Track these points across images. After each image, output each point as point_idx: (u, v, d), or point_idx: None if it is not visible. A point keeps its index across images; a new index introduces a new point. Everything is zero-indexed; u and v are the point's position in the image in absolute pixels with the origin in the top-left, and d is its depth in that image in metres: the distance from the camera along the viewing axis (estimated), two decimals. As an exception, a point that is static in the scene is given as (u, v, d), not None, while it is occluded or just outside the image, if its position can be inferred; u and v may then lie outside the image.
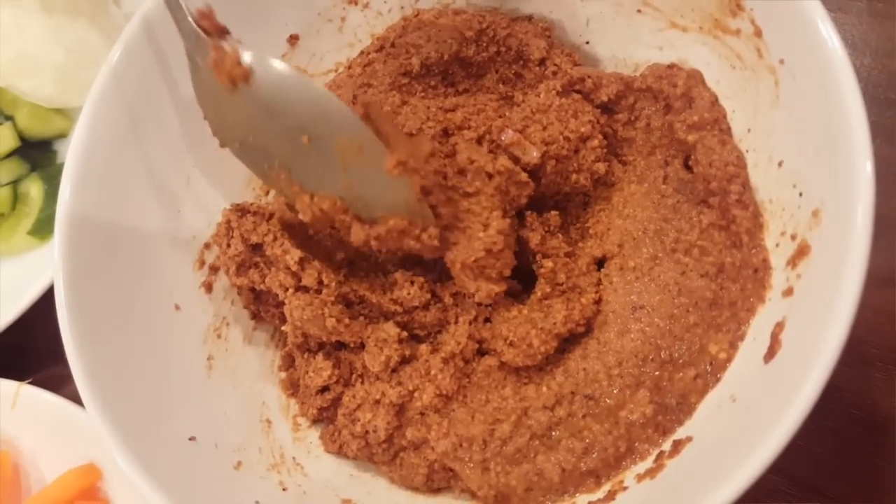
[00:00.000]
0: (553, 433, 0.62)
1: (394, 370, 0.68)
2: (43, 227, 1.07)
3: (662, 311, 0.62)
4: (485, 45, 0.76)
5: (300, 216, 0.67)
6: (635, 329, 0.63)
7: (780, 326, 0.52)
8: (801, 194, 0.55)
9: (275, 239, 0.69)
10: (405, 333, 0.69)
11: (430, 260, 0.70)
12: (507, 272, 0.66)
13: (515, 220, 0.69)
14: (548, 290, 0.68)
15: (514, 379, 0.67)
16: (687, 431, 0.57)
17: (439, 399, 0.66)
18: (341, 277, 0.69)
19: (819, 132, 0.53)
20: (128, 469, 0.57)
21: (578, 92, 0.72)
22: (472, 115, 0.75)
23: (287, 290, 0.68)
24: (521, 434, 0.62)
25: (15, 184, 1.13)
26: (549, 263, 0.68)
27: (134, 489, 0.56)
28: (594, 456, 0.59)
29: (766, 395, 0.50)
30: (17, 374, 0.91)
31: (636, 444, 0.59)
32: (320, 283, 0.67)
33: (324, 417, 0.72)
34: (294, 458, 0.70)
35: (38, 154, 1.16)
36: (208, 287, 0.75)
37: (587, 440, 0.60)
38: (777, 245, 0.57)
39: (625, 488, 0.57)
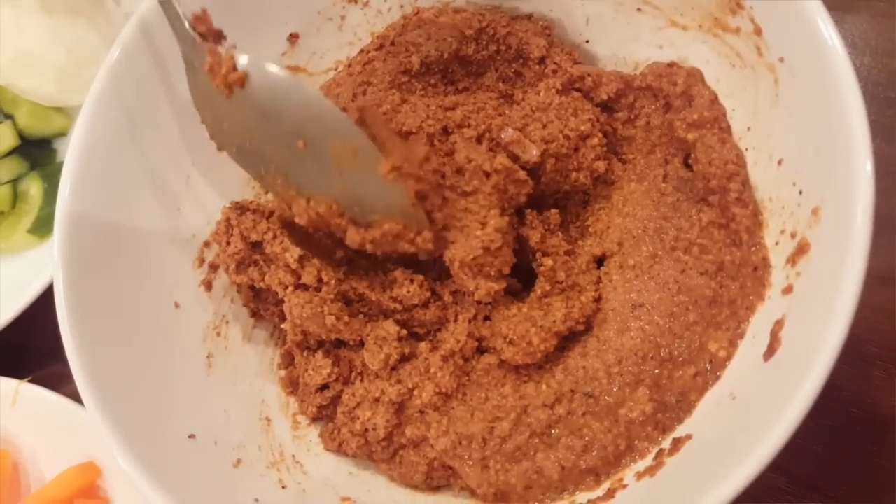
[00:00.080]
0: (553, 431, 0.62)
1: (393, 368, 0.68)
2: (43, 226, 1.07)
3: (662, 309, 0.62)
4: (485, 43, 0.76)
5: (296, 219, 0.67)
6: (635, 327, 0.63)
7: (779, 324, 0.52)
8: (800, 192, 0.55)
9: (274, 237, 0.69)
10: (405, 331, 0.69)
11: (430, 258, 0.70)
12: (507, 270, 0.66)
13: (515, 218, 0.69)
14: (547, 288, 0.68)
15: (514, 377, 0.67)
16: (686, 429, 0.57)
17: (439, 397, 0.66)
18: (341, 275, 0.69)
19: (819, 130, 0.53)
20: (127, 467, 0.57)
21: (578, 90, 0.72)
22: (471, 113, 0.75)
23: (286, 287, 0.68)
24: (520, 432, 0.62)
25: (15, 182, 1.13)
26: (548, 262, 0.68)
27: (133, 487, 0.56)
28: (594, 454, 0.59)
29: (765, 394, 0.50)
30: (16, 372, 0.91)
31: (636, 442, 0.59)
32: (320, 280, 0.67)
33: (323, 415, 0.72)
34: (293, 456, 0.70)
35: (37, 152, 1.16)
36: (208, 285, 0.75)
37: (587, 438, 0.60)
38: (777, 243, 0.57)
39: (624, 486, 0.57)
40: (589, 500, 0.58)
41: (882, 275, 0.73)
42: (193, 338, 0.72)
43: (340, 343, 0.72)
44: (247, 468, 0.66)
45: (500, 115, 0.75)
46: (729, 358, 0.58)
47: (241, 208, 0.73)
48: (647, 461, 0.58)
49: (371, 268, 0.73)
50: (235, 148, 0.69)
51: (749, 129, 0.62)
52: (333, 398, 0.71)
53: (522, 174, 0.67)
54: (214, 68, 0.63)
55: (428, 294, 0.70)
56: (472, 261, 0.64)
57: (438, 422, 0.65)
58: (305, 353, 0.73)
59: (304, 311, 0.66)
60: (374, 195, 0.64)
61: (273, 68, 0.62)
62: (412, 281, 0.70)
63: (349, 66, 0.80)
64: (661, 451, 0.57)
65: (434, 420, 0.65)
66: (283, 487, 0.66)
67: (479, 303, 0.69)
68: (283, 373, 0.77)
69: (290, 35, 0.79)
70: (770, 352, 0.52)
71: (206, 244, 0.75)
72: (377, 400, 0.67)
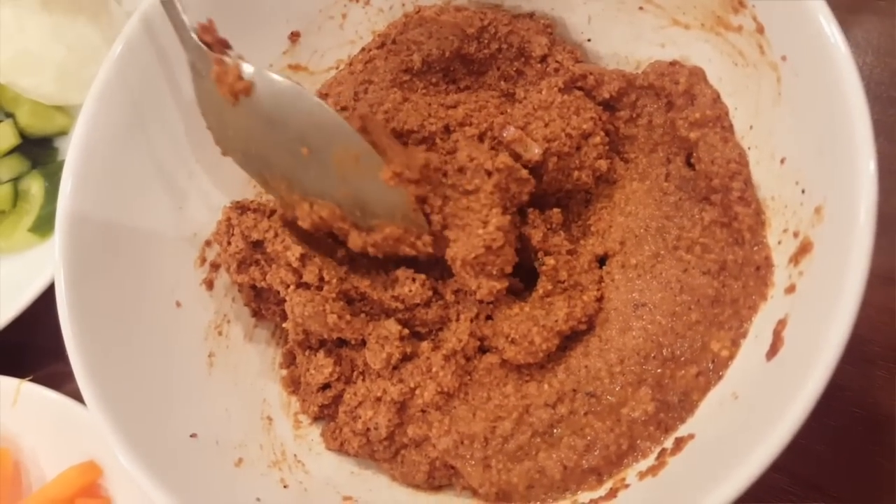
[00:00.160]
0: (555, 431, 0.61)
1: (395, 367, 0.68)
2: (44, 225, 1.07)
3: (664, 308, 0.62)
4: (486, 42, 0.76)
5: (300, 223, 0.69)
6: (637, 326, 0.63)
7: (782, 324, 0.52)
8: (803, 191, 0.55)
9: (276, 236, 0.69)
10: (406, 331, 0.69)
11: (431, 258, 0.70)
12: (509, 269, 0.66)
13: (517, 217, 0.69)
14: (549, 287, 0.68)
15: (516, 376, 0.67)
16: (689, 429, 0.57)
17: (440, 396, 0.66)
18: (342, 274, 0.69)
19: (822, 129, 0.52)
20: (129, 466, 0.57)
21: (580, 89, 0.72)
22: (473, 111, 0.75)
23: (288, 286, 0.68)
24: (522, 431, 0.62)
25: (16, 181, 1.13)
26: (550, 261, 0.68)
27: (135, 486, 0.56)
28: (596, 453, 0.59)
29: (768, 393, 0.50)
30: (17, 371, 0.91)
31: (638, 442, 0.59)
32: (321, 279, 0.67)
33: (325, 415, 0.72)
34: (295, 455, 0.70)
35: (38, 151, 1.16)
36: (209, 284, 0.75)
37: (589, 437, 0.60)
38: (779, 242, 0.57)
39: (626, 486, 0.57)
40: (591, 500, 0.58)
41: (885, 275, 0.72)
42: (195, 337, 0.72)
43: (342, 342, 0.72)
44: (248, 467, 0.66)
45: (501, 113, 0.75)
46: (731, 357, 0.58)
47: (242, 207, 0.73)
48: (650, 461, 0.58)
49: (373, 267, 0.73)
50: (240, 154, 0.70)
51: (751, 127, 0.62)
52: (335, 397, 0.71)
53: (524, 173, 0.67)
54: (221, 77, 0.65)
55: (430, 293, 0.70)
56: (474, 259, 0.64)
57: (440, 421, 0.65)
58: (307, 353, 0.73)
59: (305, 310, 0.66)
60: (375, 200, 0.66)
61: (277, 77, 0.64)
62: (414, 280, 0.70)
63: (350, 64, 0.80)
64: (663, 451, 0.57)
65: (436, 419, 0.65)
66: (284, 487, 0.66)
67: (480, 302, 0.69)
68: (284, 372, 0.77)
69: (292, 33, 0.79)
70: (773, 351, 0.52)
71: (208, 243, 0.75)
72: (379, 399, 0.67)
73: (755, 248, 0.59)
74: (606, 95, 0.71)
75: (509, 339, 0.66)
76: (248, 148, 0.69)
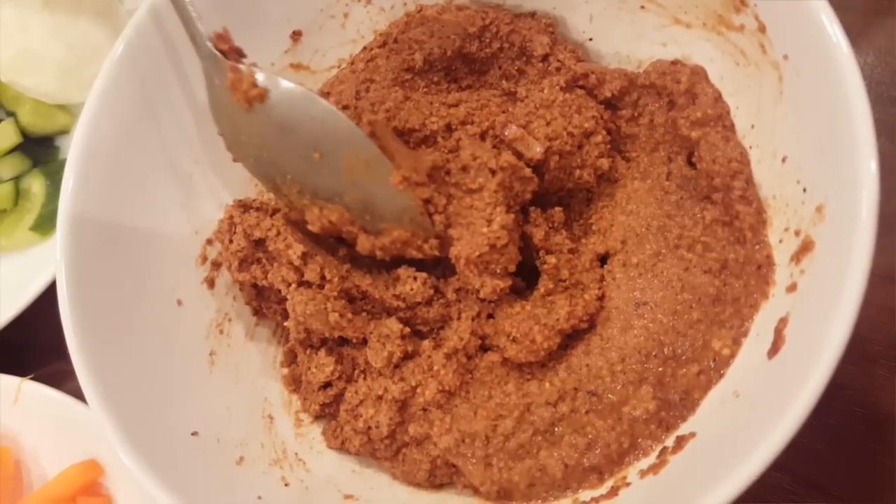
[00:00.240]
0: (556, 429, 0.62)
1: (396, 366, 0.68)
2: (45, 223, 1.07)
3: (665, 307, 0.62)
4: (488, 41, 0.76)
5: (309, 227, 0.70)
6: (638, 325, 0.63)
7: (783, 322, 0.52)
8: (804, 190, 0.55)
9: (278, 234, 0.69)
10: (408, 329, 0.69)
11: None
12: (512, 268, 0.66)
13: (520, 215, 0.69)
14: (551, 286, 0.68)
15: (517, 375, 0.67)
16: (690, 427, 0.57)
17: (442, 395, 0.66)
18: (344, 273, 0.69)
19: (823, 129, 0.52)
20: (131, 464, 0.57)
21: (582, 87, 0.72)
22: (475, 110, 0.75)
23: (289, 285, 0.68)
24: (523, 430, 0.62)
25: (17, 180, 1.13)
26: (552, 259, 0.68)
27: (136, 485, 0.57)
28: (597, 452, 0.59)
29: (769, 392, 0.50)
30: (18, 370, 0.91)
31: (639, 440, 0.59)
32: (323, 278, 0.68)
33: (326, 413, 0.72)
34: (296, 453, 0.70)
35: (40, 150, 1.16)
36: (210, 283, 0.75)
37: (590, 436, 0.60)
38: (780, 241, 0.57)
39: (627, 484, 0.57)
40: (592, 498, 0.58)
41: (885, 274, 0.72)
42: (196, 335, 0.72)
43: (343, 341, 0.72)
44: (249, 466, 0.66)
45: (503, 112, 0.75)
46: (733, 356, 0.58)
47: (244, 206, 0.73)
48: (651, 459, 0.58)
49: (374, 265, 0.73)
50: (252, 159, 0.72)
51: (753, 126, 0.62)
52: (336, 396, 0.71)
53: (528, 171, 0.67)
54: (236, 84, 0.66)
55: (431, 292, 0.70)
56: (478, 258, 0.64)
57: (441, 419, 0.65)
58: (308, 351, 0.73)
59: (307, 309, 0.66)
60: (384, 204, 0.68)
61: (290, 84, 0.66)
62: (415, 279, 0.70)
63: (352, 63, 0.80)
64: (664, 449, 0.57)
65: (437, 418, 0.65)
66: (285, 485, 0.66)
67: (482, 300, 0.69)
68: (285, 370, 0.77)
69: (293, 32, 0.79)
70: (774, 350, 0.52)
71: (209, 242, 0.75)
72: (380, 398, 0.67)
73: (756, 247, 0.59)
74: (608, 94, 0.71)
75: (511, 337, 0.66)
76: (260, 153, 0.70)
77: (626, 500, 0.56)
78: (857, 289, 0.45)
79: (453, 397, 0.67)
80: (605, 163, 0.71)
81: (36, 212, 1.08)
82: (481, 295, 0.67)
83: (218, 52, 0.67)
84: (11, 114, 1.15)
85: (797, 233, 0.55)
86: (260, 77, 0.66)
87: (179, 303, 0.71)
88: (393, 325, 0.68)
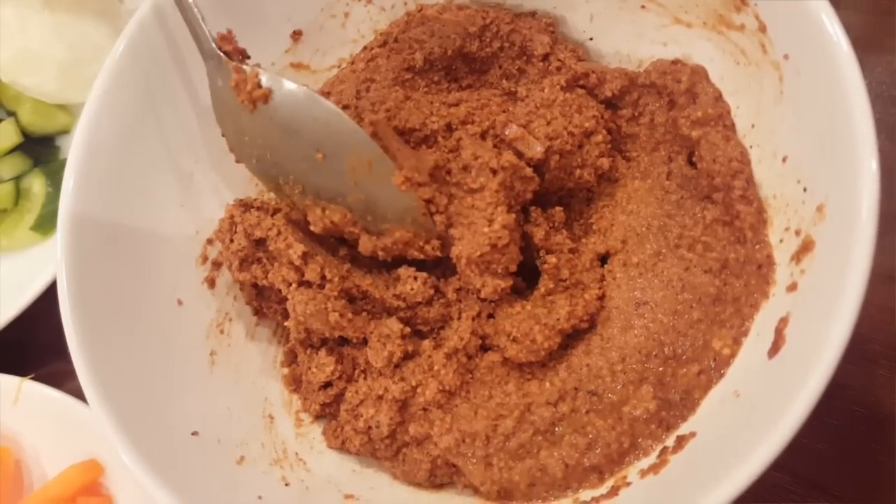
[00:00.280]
0: (556, 429, 0.62)
1: (396, 366, 0.68)
2: (45, 223, 1.07)
3: (666, 306, 0.62)
4: (488, 40, 0.76)
5: (311, 228, 0.70)
6: (639, 325, 0.63)
7: (783, 322, 0.52)
8: (805, 190, 0.55)
9: (278, 234, 0.69)
10: (408, 329, 0.69)
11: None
12: (513, 267, 0.66)
13: (520, 215, 0.69)
14: (551, 285, 0.68)
15: (518, 375, 0.67)
16: (690, 427, 0.57)
17: (442, 395, 0.66)
18: (344, 272, 0.69)
19: (824, 128, 0.52)
20: (131, 464, 0.57)
21: (582, 87, 0.72)
22: (475, 109, 0.75)
23: (290, 285, 0.68)
24: (524, 430, 0.62)
25: (17, 179, 1.13)
26: (552, 259, 0.68)
27: (136, 485, 0.57)
28: (597, 451, 0.59)
29: (769, 391, 0.50)
30: (19, 369, 0.91)
31: (639, 440, 0.59)
32: (323, 278, 0.67)
33: (326, 413, 0.72)
34: (297, 453, 0.70)
35: (40, 150, 1.16)
36: (211, 283, 0.75)
37: (590, 436, 0.60)
38: (781, 241, 0.57)
39: (628, 484, 0.57)
40: (592, 498, 0.58)
41: (886, 273, 0.72)
42: (196, 335, 0.72)
43: (344, 341, 0.72)
44: (250, 465, 0.66)
45: (503, 111, 0.75)
46: (733, 355, 0.58)
47: (245, 205, 0.73)
48: (651, 459, 0.58)
49: (375, 265, 0.73)
50: (255, 160, 0.72)
51: (753, 126, 0.62)
52: (337, 396, 0.71)
53: (529, 171, 0.67)
54: (240, 85, 0.67)
55: (431, 291, 0.70)
56: (479, 258, 0.64)
57: (442, 419, 0.65)
58: (308, 351, 0.73)
59: (307, 309, 0.66)
60: (386, 205, 0.68)
61: (293, 85, 0.66)
62: (416, 278, 0.70)
63: (352, 63, 0.80)
64: (664, 449, 0.57)
65: (437, 418, 0.65)
66: (286, 485, 0.66)
67: (482, 300, 0.69)
68: (286, 370, 0.77)
69: (294, 32, 0.79)
70: (774, 349, 0.52)
71: (210, 241, 0.75)
72: (380, 397, 0.67)
73: (757, 247, 0.59)
74: (608, 94, 0.71)
75: (511, 337, 0.66)
76: (263, 154, 0.70)
77: (626, 500, 0.56)
78: (858, 288, 0.45)
79: (454, 397, 0.67)
80: (605, 162, 0.71)
81: (36, 211, 1.08)
82: (482, 295, 0.67)
83: (222, 53, 0.68)
84: (12, 113, 1.15)
85: (798, 232, 0.55)
86: (264, 78, 0.67)
87: (180, 302, 0.71)
88: (393, 325, 0.68)
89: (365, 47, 0.81)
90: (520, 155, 0.69)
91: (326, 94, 0.78)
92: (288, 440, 0.71)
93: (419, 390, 0.67)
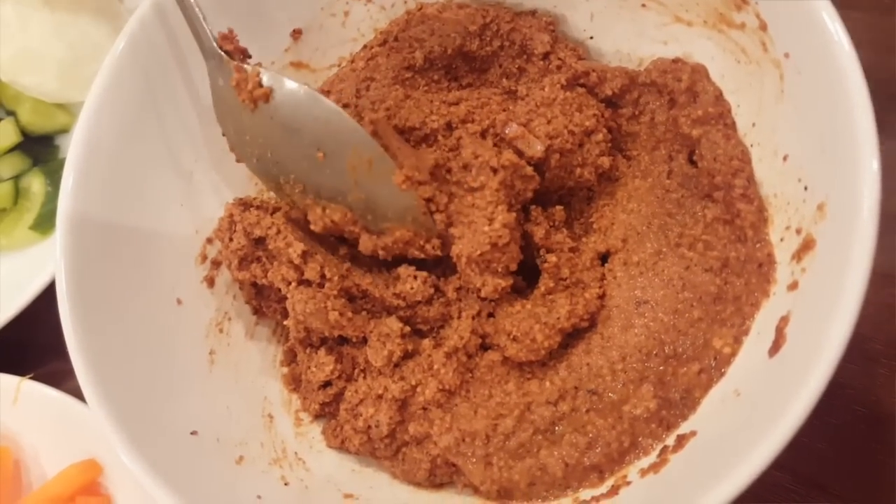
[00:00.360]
0: (556, 428, 0.61)
1: (396, 365, 0.68)
2: (44, 222, 1.07)
3: (666, 305, 0.62)
4: (488, 39, 0.76)
5: (312, 227, 0.70)
6: (639, 324, 0.63)
7: (784, 320, 0.52)
8: (806, 188, 0.54)
9: (278, 233, 0.69)
10: (408, 328, 0.69)
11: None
12: (514, 266, 0.66)
13: (521, 214, 0.69)
14: (551, 284, 0.68)
15: (518, 374, 0.66)
16: (691, 426, 0.57)
17: (442, 394, 0.66)
18: (344, 271, 0.69)
19: (824, 127, 0.52)
20: (130, 464, 0.57)
21: (583, 86, 0.72)
22: (475, 108, 0.75)
23: (289, 284, 0.68)
24: (524, 429, 0.62)
25: (16, 179, 1.13)
26: (552, 258, 0.68)
27: (135, 484, 0.56)
28: (597, 451, 0.59)
29: (770, 390, 0.50)
30: (18, 369, 0.90)
31: (640, 439, 0.59)
32: (323, 276, 0.67)
33: (326, 412, 0.72)
34: (296, 452, 0.70)
35: (40, 149, 1.16)
36: (210, 282, 0.75)
37: (590, 435, 0.60)
38: (782, 239, 0.57)
39: (628, 483, 0.57)
40: (592, 497, 0.58)
41: (886, 272, 0.72)
42: (196, 334, 0.72)
43: (343, 340, 0.71)
44: (249, 465, 0.66)
45: (503, 110, 0.75)
46: (734, 354, 0.58)
47: (244, 204, 0.73)
48: (651, 458, 0.58)
49: (374, 264, 0.73)
50: (255, 159, 0.72)
51: (754, 125, 0.62)
52: (336, 395, 0.71)
53: (529, 170, 0.67)
54: (241, 84, 0.67)
55: (431, 291, 0.70)
56: (480, 257, 0.64)
57: (441, 419, 0.65)
58: (308, 350, 0.73)
59: (307, 308, 0.66)
60: (386, 204, 0.68)
61: (294, 84, 0.66)
62: (416, 277, 0.70)
63: (352, 61, 0.80)
64: (665, 448, 0.57)
65: (437, 417, 0.65)
66: (285, 484, 0.66)
67: (482, 299, 0.69)
68: (285, 370, 0.77)
69: (294, 31, 0.79)
70: (775, 348, 0.52)
71: (209, 240, 0.75)
72: (380, 397, 0.67)
73: (757, 245, 0.59)
74: (609, 92, 0.71)
75: (511, 336, 0.66)
76: (263, 154, 0.70)
77: (626, 499, 0.56)
78: (859, 287, 0.45)
79: (453, 396, 0.66)
80: (605, 161, 0.71)
81: (36, 211, 1.08)
82: (482, 294, 0.67)
83: (223, 53, 0.68)
84: (11, 113, 1.15)
85: (798, 231, 0.54)
86: (265, 77, 0.67)
87: (179, 302, 0.71)
88: (393, 324, 0.68)
89: (365, 46, 0.81)
90: (520, 154, 0.69)
91: (326, 93, 0.78)
92: (287, 439, 0.71)
93: (419, 389, 0.67)
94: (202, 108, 0.73)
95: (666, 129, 0.69)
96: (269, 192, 0.77)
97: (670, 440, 0.58)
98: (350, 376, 0.71)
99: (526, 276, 0.71)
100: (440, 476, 0.67)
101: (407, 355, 0.68)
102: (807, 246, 0.53)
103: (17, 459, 0.89)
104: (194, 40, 0.69)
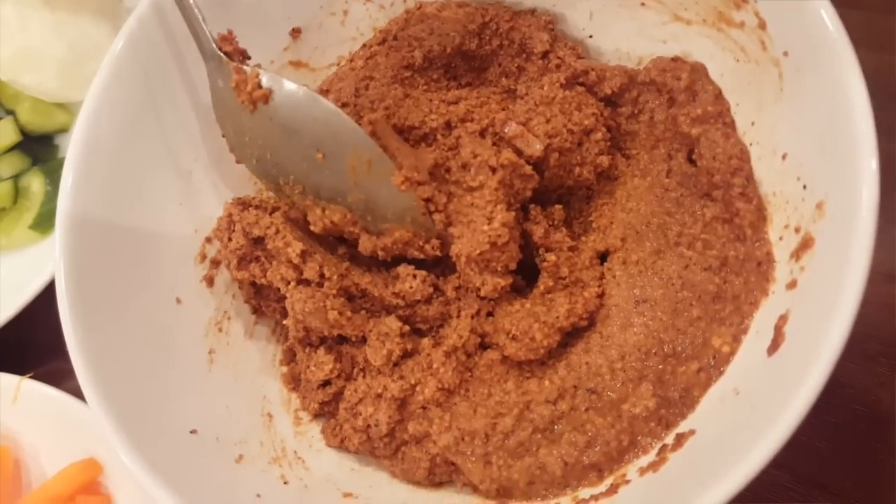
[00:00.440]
0: (555, 427, 0.61)
1: (395, 364, 0.68)
2: (44, 222, 1.07)
3: (665, 304, 0.62)
4: (488, 38, 0.76)
5: (311, 227, 0.70)
6: (638, 323, 0.63)
7: (783, 319, 0.52)
8: (805, 187, 0.54)
9: (277, 232, 0.69)
10: (407, 327, 0.69)
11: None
12: (513, 265, 0.66)
13: (520, 213, 0.69)
14: (550, 283, 0.68)
15: (517, 373, 0.67)
16: (690, 425, 0.57)
17: (441, 393, 0.66)
18: (343, 271, 0.69)
19: (824, 126, 0.52)
20: (130, 463, 0.57)
21: (582, 85, 0.72)
22: (474, 107, 0.75)
23: (288, 283, 0.68)
24: (523, 428, 0.62)
25: (16, 178, 1.13)
26: (552, 257, 0.68)
27: (135, 483, 0.57)
28: (597, 449, 0.59)
29: (769, 389, 0.50)
30: (18, 368, 0.91)
31: (639, 438, 0.59)
32: (322, 276, 0.67)
33: (325, 412, 0.72)
34: (295, 451, 0.70)
35: (39, 148, 1.16)
36: (209, 281, 0.75)
37: (590, 434, 0.60)
38: (781, 238, 0.57)
39: (627, 482, 0.57)
40: (591, 496, 0.58)
41: (885, 271, 0.72)
42: (195, 334, 0.72)
43: (342, 339, 0.71)
44: (248, 464, 0.66)
45: (503, 109, 0.74)
46: (732, 353, 0.58)
47: (243, 204, 0.73)
48: (650, 457, 0.58)
49: (374, 263, 0.73)
50: (255, 160, 0.72)
51: (753, 123, 0.62)
52: (335, 394, 0.71)
53: (528, 169, 0.67)
54: (240, 85, 0.67)
55: (430, 290, 0.70)
56: (479, 256, 0.64)
57: (441, 418, 0.65)
58: (307, 350, 0.73)
59: (306, 307, 0.66)
60: (386, 204, 0.68)
61: (293, 85, 0.66)
62: (415, 276, 0.70)
63: (351, 60, 0.80)
64: (663, 447, 0.57)
65: (436, 416, 0.65)
66: (284, 483, 0.66)
67: (481, 298, 0.69)
68: (284, 369, 0.77)
69: (293, 30, 0.79)
70: (774, 347, 0.52)
71: (208, 240, 0.75)
72: (379, 396, 0.67)
73: (756, 244, 0.59)
74: (608, 91, 0.71)
75: (510, 335, 0.66)
76: (263, 155, 0.71)
77: (625, 498, 0.56)
78: (857, 286, 0.45)
79: (453, 395, 0.66)
80: (604, 160, 0.70)
81: (35, 210, 1.08)
82: (482, 293, 0.67)
83: (222, 54, 0.68)
84: (11, 112, 1.15)
85: (797, 230, 0.55)
86: (264, 78, 0.67)
87: (178, 301, 0.71)
88: (392, 323, 0.68)
89: (364, 45, 0.81)
90: (519, 153, 0.69)
91: (325, 93, 0.78)
92: (287, 439, 0.71)
93: (418, 388, 0.67)
94: (201, 107, 0.73)
95: (665, 128, 0.69)
96: (267, 191, 0.77)
97: (669, 439, 0.58)
98: (349, 375, 0.71)
99: (525, 276, 0.71)
100: (439, 475, 0.67)
101: (406, 354, 0.68)
102: (806, 245, 0.53)
103: (16, 459, 0.89)
104: (194, 41, 0.69)
